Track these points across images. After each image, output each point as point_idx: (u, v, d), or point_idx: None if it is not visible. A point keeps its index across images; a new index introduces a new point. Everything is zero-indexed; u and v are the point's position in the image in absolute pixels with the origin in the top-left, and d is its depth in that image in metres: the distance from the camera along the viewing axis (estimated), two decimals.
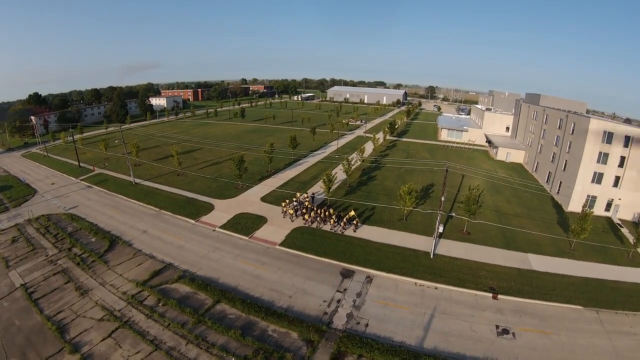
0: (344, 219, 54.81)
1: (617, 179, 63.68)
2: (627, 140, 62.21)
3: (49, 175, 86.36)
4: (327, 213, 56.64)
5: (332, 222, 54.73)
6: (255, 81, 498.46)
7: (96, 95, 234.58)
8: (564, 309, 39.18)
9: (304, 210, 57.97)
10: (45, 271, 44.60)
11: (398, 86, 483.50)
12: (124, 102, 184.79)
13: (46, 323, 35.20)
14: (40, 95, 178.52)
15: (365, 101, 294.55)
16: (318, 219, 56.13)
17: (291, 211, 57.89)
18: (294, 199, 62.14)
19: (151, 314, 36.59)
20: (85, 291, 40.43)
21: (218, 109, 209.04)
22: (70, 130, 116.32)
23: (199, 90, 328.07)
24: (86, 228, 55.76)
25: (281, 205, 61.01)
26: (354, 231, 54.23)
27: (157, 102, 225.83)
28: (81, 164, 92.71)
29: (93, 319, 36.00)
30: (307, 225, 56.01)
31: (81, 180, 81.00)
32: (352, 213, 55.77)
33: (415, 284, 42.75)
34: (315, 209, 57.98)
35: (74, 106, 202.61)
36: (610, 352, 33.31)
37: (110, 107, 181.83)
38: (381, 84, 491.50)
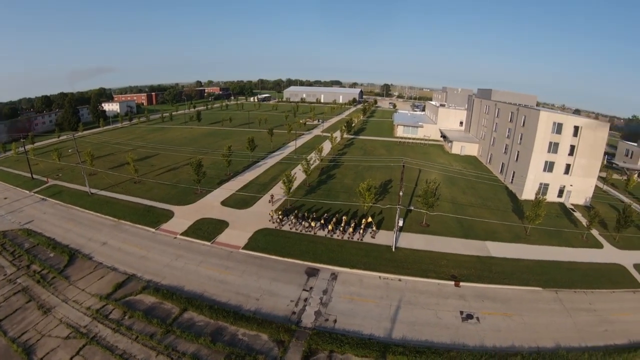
0: (362, 226, 54.45)
1: (568, 166, 68.13)
2: (576, 130, 66.47)
3: (1, 190, 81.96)
4: (343, 222, 54.89)
5: (350, 231, 53.60)
6: (210, 83, 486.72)
7: (47, 102, 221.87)
8: (523, 291, 42.00)
9: (323, 221, 56.01)
10: (4, 291, 42.60)
11: (354, 85, 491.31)
12: (76, 109, 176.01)
13: (11, 345, 33.85)
14: None
15: (322, 100, 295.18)
16: (340, 228, 54.09)
17: (313, 223, 54.74)
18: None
19: (118, 327, 36.01)
20: (48, 309, 39.12)
21: (173, 113, 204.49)
22: (22, 140, 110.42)
23: (153, 94, 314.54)
24: (43, 243, 53.55)
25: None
26: (372, 237, 53.47)
27: (110, 107, 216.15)
28: (34, 176, 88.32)
29: (59, 337, 35.01)
30: (334, 237, 53.78)
31: (35, 193, 77.36)
32: (370, 219, 55.69)
33: (380, 277, 44.32)
34: (326, 218, 56.79)
35: (24, 115, 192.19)
36: (571, 328, 36.13)
37: (62, 115, 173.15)
38: (337, 83, 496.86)
